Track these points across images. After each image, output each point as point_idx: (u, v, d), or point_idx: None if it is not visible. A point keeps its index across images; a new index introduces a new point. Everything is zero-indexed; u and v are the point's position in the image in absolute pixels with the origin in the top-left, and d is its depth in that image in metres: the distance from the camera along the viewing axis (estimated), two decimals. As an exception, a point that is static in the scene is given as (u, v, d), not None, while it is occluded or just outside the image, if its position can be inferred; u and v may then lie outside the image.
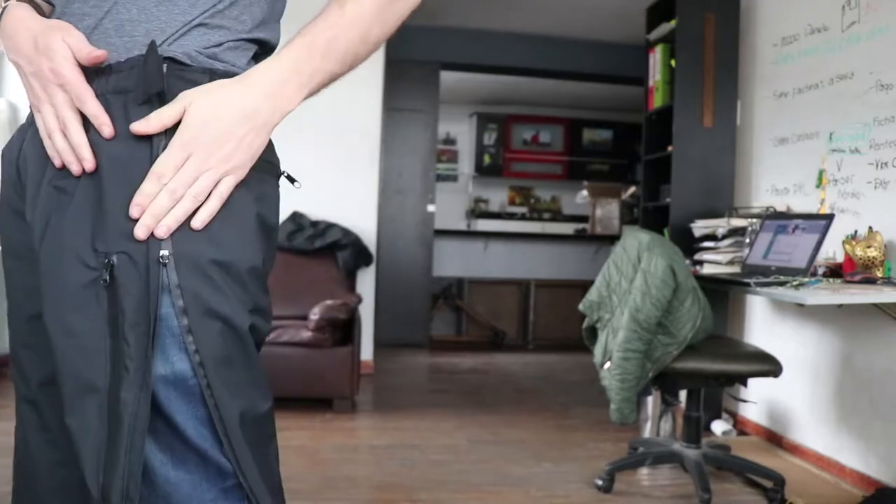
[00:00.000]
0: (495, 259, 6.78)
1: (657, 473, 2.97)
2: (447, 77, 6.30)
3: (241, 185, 0.83)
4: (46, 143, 0.82)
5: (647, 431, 3.32)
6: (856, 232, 2.76)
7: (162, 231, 0.77)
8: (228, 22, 0.86)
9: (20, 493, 0.95)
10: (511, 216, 8.44)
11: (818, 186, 3.16)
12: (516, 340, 6.57)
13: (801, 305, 3.03)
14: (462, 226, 8.09)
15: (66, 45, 0.80)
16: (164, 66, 0.81)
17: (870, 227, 2.71)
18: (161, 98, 0.80)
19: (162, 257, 0.77)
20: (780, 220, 2.92)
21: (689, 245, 3.41)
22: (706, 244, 3.36)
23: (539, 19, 5.69)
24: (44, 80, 0.81)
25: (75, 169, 0.80)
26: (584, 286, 3.46)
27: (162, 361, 0.78)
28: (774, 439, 3.38)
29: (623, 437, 3.35)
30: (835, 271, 2.77)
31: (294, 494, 2.49)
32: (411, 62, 5.80)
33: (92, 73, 0.81)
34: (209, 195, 0.79)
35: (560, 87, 7.26)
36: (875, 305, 2.63)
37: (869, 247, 2.61)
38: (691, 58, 3.65)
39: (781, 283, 2.49)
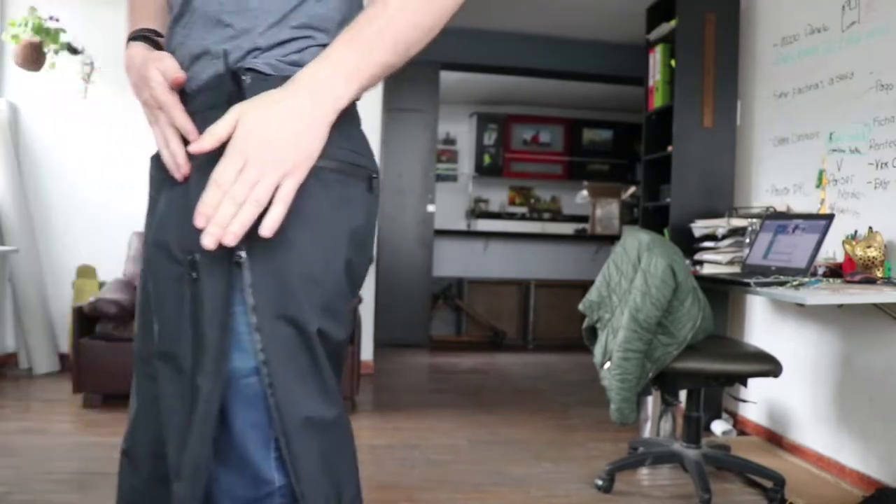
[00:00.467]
0: (495, 259, 6.78)
1: (657, 473, 2.97)
2: (447, 77, 6.30)
3: (319, 188, 0.86)
4: (166, 159, 0.94)
5: (647, 431, 3.32)
6: (856, 232, 2.76)
7: (230, 239, 0.80)
8: (314, 25, 0.91)
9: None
10: (511, 216, 8.44)
11: (818, 186, 3.16)
12: (516, 340, 6.57)
13: (801, 305, 3.03)
14: (462, 226, 8.09)
15: (159, 72, 0.91)
16: (248, 77, 0.87)
17: (870, 227, 2.71)
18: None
19: (238, 258, 0.82)
20: (780, 220, 2.92)
21: (689, 245, 3.41)
22: (706, 244, 3.36)
23: (539, 19, 5.69)
24: (149, 106, 0.95)
25: (177, 176, 0.91)
26: (584, 286, 3.46)
27: (236, 357, 0.83)
28: (774, 439, 3.38)
29: (623, 437, 3.35)
30: (835, 271, 2.77)
31: (294, 494, 2.49)
32: (411, 62, 5.71)
33: (189, 93, 0.92)
34: (273, 200, 0.81)
35: (560, 87, 7.26)
36: (875, 305, 2.63)
37: (869, 247, 2.61)
38: (691, 58, 3.65)
39: (781, 283, 2.49)
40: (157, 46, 1.00)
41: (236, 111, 0.82)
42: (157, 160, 1.00)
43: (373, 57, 0.86)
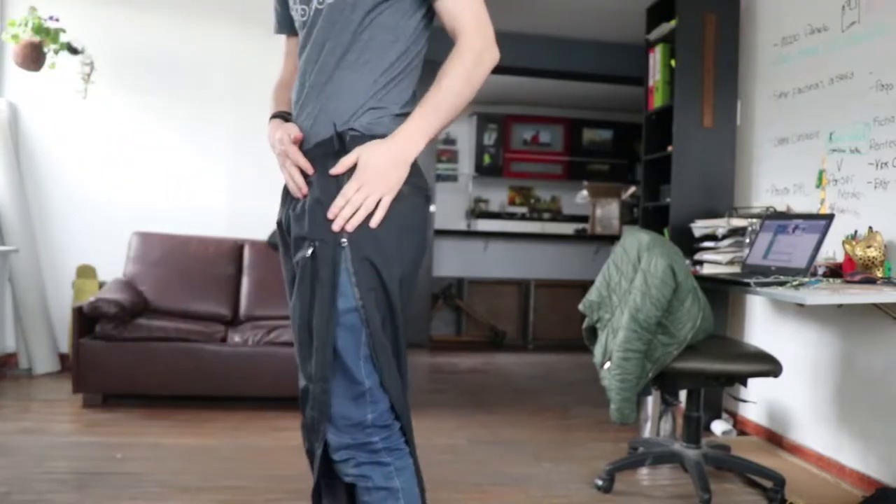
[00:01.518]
0: (495, 259, 6.77)
1: (657, 473, 2.97)
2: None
3: (398, 202, 1.39)
4: (290, 186, 1.47)
5: (647, 431, 3.32)
6: (856, 232, 2.76)
7: (350, 226, 1.36)
8: (387, 104, 1.44)
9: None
10: (511, 216, 8.43)
11: (818, 186, 3.16)
12: (516, 340, 6.56)
13: (801, 305, 3.03)
14: (462, 226, 8.09)
15: (286, 134, 1.46)
16: (349, 135, 1.41)
17: (870, 227, 2.71)
18: (341, 155, 1.40)
19: (342, 243, 1.36)
20: (780, 220, 2.92)
21: (689, 245, 3.41)
22: (706, 244, 3.36)
23: (539, 19, 5.69)
24: (281, 156, 1.47)
25: (298, 195, 1.45)
26: (584, 286, 3.46)
27: (340, 302, 1.36)
28: (774, 439, 3.38)
29: (623, 437, 3.35)
30: (835, 271, 2.77)
31: (294, 494, 2.49)
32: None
33: (309, 147, 1.44)
34: (377, 208, 1.37)
35: (560, 87, 7.26)
36: (875, 305, 2.63)
37: (869, 247, 2.61)
38: (691, 58, 3.65)
39: (781, 283, 2.49)
40: (287, 121, 1.54)
41: (358, 151, 1.38)
42: (286, 189, 1.51)
43: (436, 122, 1.41)
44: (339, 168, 1.38)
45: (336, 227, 1.35)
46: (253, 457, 2.94)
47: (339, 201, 1.36)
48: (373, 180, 1.36)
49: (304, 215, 1.41)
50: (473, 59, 1.40)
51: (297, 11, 1.51)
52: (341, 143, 1.40)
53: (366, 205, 1.35)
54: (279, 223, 1.55)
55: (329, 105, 1.43)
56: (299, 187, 1.43)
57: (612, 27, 5.67)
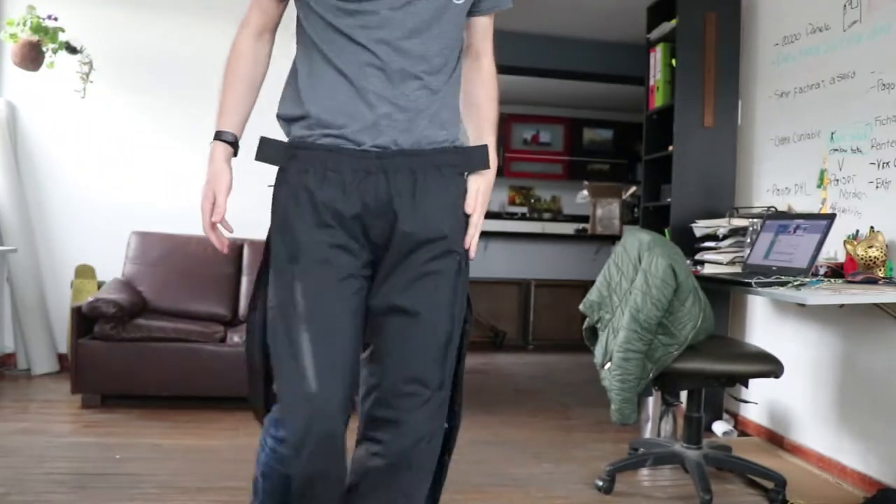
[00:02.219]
0: (495, 259, 6.76)
1: (658, 474, 2.96)
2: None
3: None
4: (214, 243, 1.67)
5: (648, 432, 3.32)
6: (857, 232, 2.75)
7: (472, 250, 1.54)
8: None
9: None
10: (511, 216, 8.42)
11: (819, 186, 3.15)
12: (516, 340, 6.56)
13: (802, 305, 3.02)
14: (462, 226, 8.07)
15: (223, 194, 1.62)
16: (457, 147, 1.52)
17: (871, 227, 2.70)
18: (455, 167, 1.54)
19: (466, 261, 1.53)
20: (781, 219, 2.91)
21: (689, 245, 3.40)
22: (707, 244, 3.35)
23: (539, 19, 5.68)
24: (207, 214, 1.61)
25: (224, 251, 1.71)
26: (585, 286, 3.45)
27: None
28: (775, 440, 3.37)
29: (623, 437, 3.34)
30: (836, 271, 2.76)
31: (293, 495, 2.48)
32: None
33: (421, 148, 1.46)
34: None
35: (560, 87, 7.25)
36: (876, 305, 2.63)
37: (870, 247, 2.60)
38: (692, 57, 3.64)
39: (782, 283, 2.48)
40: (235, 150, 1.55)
41: (475, 183, 1.54)
42: (345, 179, 1.48)
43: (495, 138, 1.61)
44: (469, 208, 1.52)
45: (472, 254, 1.53)
46: (252, 457, 2.91)
47: (472, 231, 1.52)
48: (484, 209, 1.54)
49: (437, 221, 1.46)
50: (496, 80, 1.60)
51: None
52: (458, 157, 1.50)
53: (479, 230, 1.55)
54: (338, 213, 1.44)
55: (439, 111, 1.46)
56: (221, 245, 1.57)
57: (613, 26, 5.66)
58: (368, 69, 1.38)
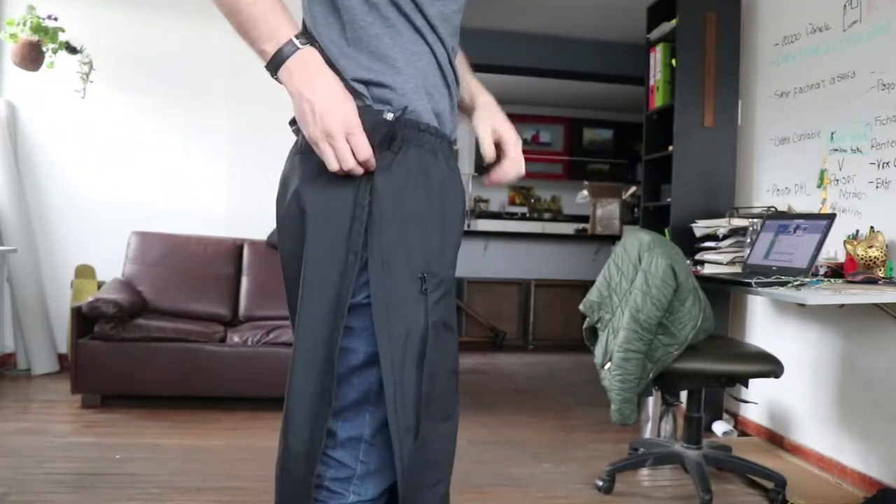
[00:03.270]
0: (495, 259, 6.76)
1: (658, 474, 2.96)
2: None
3: None
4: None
5: (648, 432, 3.31)
6: (857, 232, 2.75)
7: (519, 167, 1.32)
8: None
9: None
10: (511, 216, 8.43)
11: (819, 186, 3.15)
12: (516, 340, 6.55)
13: (802, 305, 3.02)
14: (462, 226, 8.07)
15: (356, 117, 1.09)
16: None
17: (871, 227, 2.70)
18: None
19: None
20: (781, 219, 2.91)
21: (689, 245, 3.40)
22: (707, 244, 3.35)
23: (539, 19, 5.68)
24: (342, 140, 1.07)
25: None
26: (585, 286, 3.45)
27: None
28: (775, 440, 3.37)
29: (623, 437, 3.34)
30: (836, 271, 2.76)
31: (293, 495, 2.48)
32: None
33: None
34: None
35: (560, 87, 7.25)
36: (876, 305, 2.62)
37: (870, 247, 2.60)
38: (692, 57, 3.64)
39: (782, 283, 2.48)
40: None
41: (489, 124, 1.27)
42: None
43: None
44: (490, 144, 1.25)
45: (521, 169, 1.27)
46: (252, 457, 2.93)
47: (515, 174, 1.26)
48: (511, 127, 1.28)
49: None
50: None
51: None
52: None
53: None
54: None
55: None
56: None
57: (613, 26, 5.66)
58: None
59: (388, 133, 1.04)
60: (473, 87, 1.30)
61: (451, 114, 1.16)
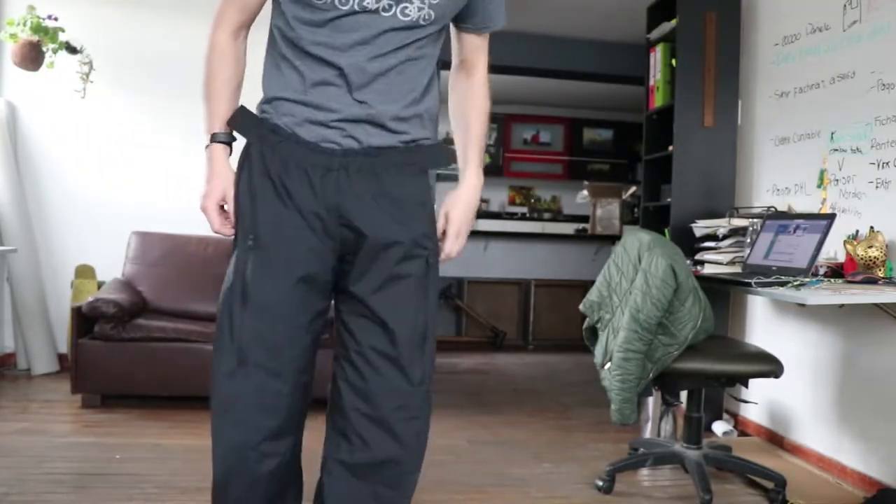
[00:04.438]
0: (495, 259, 6.76)
1: (658, 474, 2.96)
2: (447, 77, 6.28)
3: None
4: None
5: (648, 432, 3.31)
6: (857, 232, 2.75)
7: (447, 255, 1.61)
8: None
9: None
10: (511, 216, 8.41)
11: (819, 186, 3.15)
12: (516, 340, 6.56)
13: (802, 305, 3.02)
14: (462, 226, 8.06)
15: (224, 195, 1.55)
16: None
17: (871, 227, 2.70)
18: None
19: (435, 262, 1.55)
20: (781, 219, 2.91)
21: (689, 245, 3.40)
22: (707, 244, 3.35)
23: (539, 18, 5.68)
24: (214, 214, 1.55)
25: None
26: (585, 286, 3.45)
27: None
28: (775, 440, 3.37)
29: (623, 437, 3.34)
30: (836, 271, 2.76)
31: (293, 495, 2.48)
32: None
33: (395, 145, 1.49)
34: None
35: (560, 87, 7.24)
36: (876, 305, 2.62)
37: (870, 247, 2.60)
38: (692, 57, 3.64)
39: (782, 283, 2.48)
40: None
41: (448, 209, 1.62)
42: (312, 178, 1.48)
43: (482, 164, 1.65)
44: (441, 228, 1.57)
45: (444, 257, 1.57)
46: (252, 457, 2.92)
47: (448, 243, 1.57)
48: (464, 228, 1.58)
49: (407, 219, 1.46)
50: (490, 94, 1.64)
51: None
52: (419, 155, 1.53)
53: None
54: (301, 210, 1.43)
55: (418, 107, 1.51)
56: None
57: (613, 26, 5.66)
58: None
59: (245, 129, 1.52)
60: (469, 169, 1.60)
61: (307, 123, 1.42)
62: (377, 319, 1.45)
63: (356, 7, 1.35)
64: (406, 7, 1.37)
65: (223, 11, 1.46)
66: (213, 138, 1.50)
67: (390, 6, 1.36)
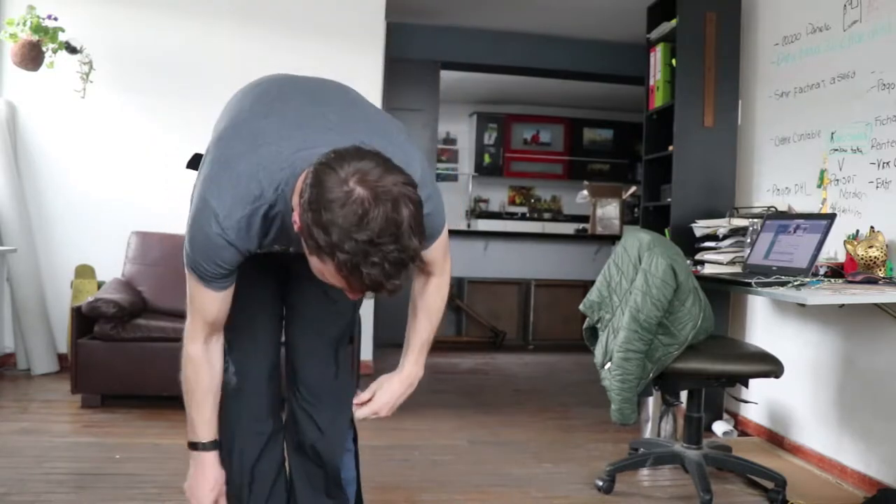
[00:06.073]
0: (495, 259, 6.76)
1: (658, 474, 2.96)
2: (447, 76, 6.29)
3: None
4: None
5: (648, 432, 3.31)
6: (857, 232, 2.75)
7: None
8: None
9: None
10: (511, 216, 8.43)
11: (819, 186, 3.15)
12: (516, 340, 6.55)
13: (802, 305, 3.02)
14: (462, 226, 8.08)
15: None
16: None
17: (871, 227, 2.70)
18: None
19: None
20: (781, 219, 2.91)
21: (690, 245, 3.40)
22: (707, 244, 3.35)
23: (539, 18, 5.68)
24: None
25: None
26: (585, 286, 3.45)
27: None
28: (776, 440, 3.36)
29: (623, 437, 3.34)
30: (836, 271, 2.76)
31: (293, 495, 2.48)
32: (411, 61, 5.79)
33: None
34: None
35: (560, 87, 7.25)
36: (876, 305, 2.62)
37: (870, 247, 2.60)
38: (692, 57, 3.64)
39: (782, 283, 2.48)
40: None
41: (377, 387, 1.69)
42: (275, 232, 1.56)
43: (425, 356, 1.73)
44: (362, 401, 1.66)
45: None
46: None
47: (366, 410, 1.66)
48: (383, 409, 1.66)
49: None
50: (447, 290, 1.71)
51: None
52: None
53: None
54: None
55: None
56: None
57: (613, 26, 5.66)
58: None
59: None
60: (407, 359, 1.70)
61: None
62: None
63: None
64: None
65: (192, 328, 1.54)
66: (202, 447, 1.62)
67: None
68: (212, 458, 1.62)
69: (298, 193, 1.25)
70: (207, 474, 1.62)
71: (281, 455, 1.88)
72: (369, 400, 1.65)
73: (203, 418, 1.59)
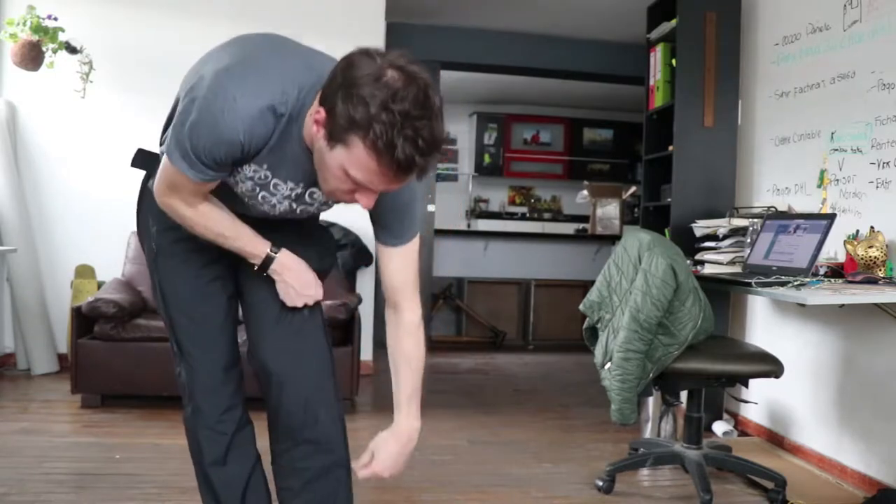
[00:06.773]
0: (495, 259, 6.76)
1: (658, 474, 2.96)
2: (447, 76, 6.28)
3: None
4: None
5: (648, 432, 3.31)
6: (857, 232, 2.75)
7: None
8: None
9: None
10: (511, 216, 8.42)
11: (819, 186, 3.15)
12: (516, 340, 6.55)
13: (802, 305, 3.02)
14: (462, 226, 8.08)
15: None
16: None
17: (871, 227, 2.70)
18: None
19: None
20: (781, 219, 2.91)
21: (690, 245, 3.40)
22: (707, 244, 3.35)
23: (539, 18, 5.68)
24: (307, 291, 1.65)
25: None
26: (585, 286, 3.45)
27: None
28: (776, 440, 3.36)
29: (623, 437, 3.34)
30: (836, 271, 2.76)
31: (293, 495, 2.48)
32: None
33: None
34: None
35: (560, 87, 7.25)
36: (877, 305, 2.62)
37: (870, 247, 2.60)
38: (692, 57, 3.64)
39: (783, 283, 2.48)
40: None
41: (376, 447, 1.66)
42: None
43: (418, 405, 1.66)
44: (363, 464, 1.62)
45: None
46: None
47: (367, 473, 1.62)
48: (384, 472, 1.61)
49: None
50: (422, 333, 1.65)
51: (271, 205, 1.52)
52: None
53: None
54: None
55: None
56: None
57: (613, 26, 5.66)
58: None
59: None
60: (400, 415, 1.63)
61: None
62: None
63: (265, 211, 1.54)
64: (307, 208, 1.56)
65: (191, 199, 1.49)
66: (276, 253, 1.58)
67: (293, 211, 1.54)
68: (289, 254, 1.58)
69: (322, 92, 1.26)
70: (300, 265, 1.60)
71: (252, 456, 1.86)
72: (370, 461, 1.60)
73: (248, 235, 1.54)
